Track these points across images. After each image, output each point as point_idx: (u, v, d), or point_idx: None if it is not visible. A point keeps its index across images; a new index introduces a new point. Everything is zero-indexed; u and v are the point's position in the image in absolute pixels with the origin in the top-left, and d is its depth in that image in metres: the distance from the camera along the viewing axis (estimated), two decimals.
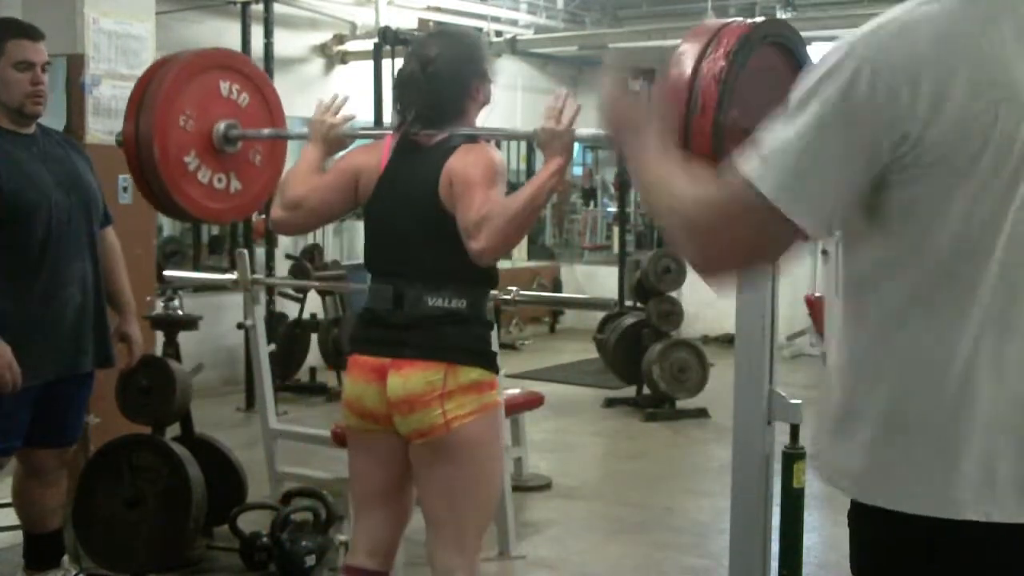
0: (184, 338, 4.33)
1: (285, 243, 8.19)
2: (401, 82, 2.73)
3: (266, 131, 3.47)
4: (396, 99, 2.75)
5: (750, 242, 1.45)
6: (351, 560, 2.83)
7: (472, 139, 2.69)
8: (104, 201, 3.62)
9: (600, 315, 8.36)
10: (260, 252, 7.43)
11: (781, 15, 8.15)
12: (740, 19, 2.18)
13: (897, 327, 1.44)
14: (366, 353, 2.67)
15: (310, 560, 3.86)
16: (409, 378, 2.58)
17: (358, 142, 2.97)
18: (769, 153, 1.40)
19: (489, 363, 2.66)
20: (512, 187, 2.71)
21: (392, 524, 2.81)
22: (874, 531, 1.49)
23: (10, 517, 4.02)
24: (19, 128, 3.38)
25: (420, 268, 2.64)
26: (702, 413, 6.91)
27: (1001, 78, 1.35)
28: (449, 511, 2.66)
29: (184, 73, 3.30)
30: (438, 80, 2.66)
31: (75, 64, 4.33)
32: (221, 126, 3.37)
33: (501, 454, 2.77)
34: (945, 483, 1.41)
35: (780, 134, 1.40)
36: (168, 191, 3.30)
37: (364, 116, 8.22)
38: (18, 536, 3.89)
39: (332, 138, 2.89)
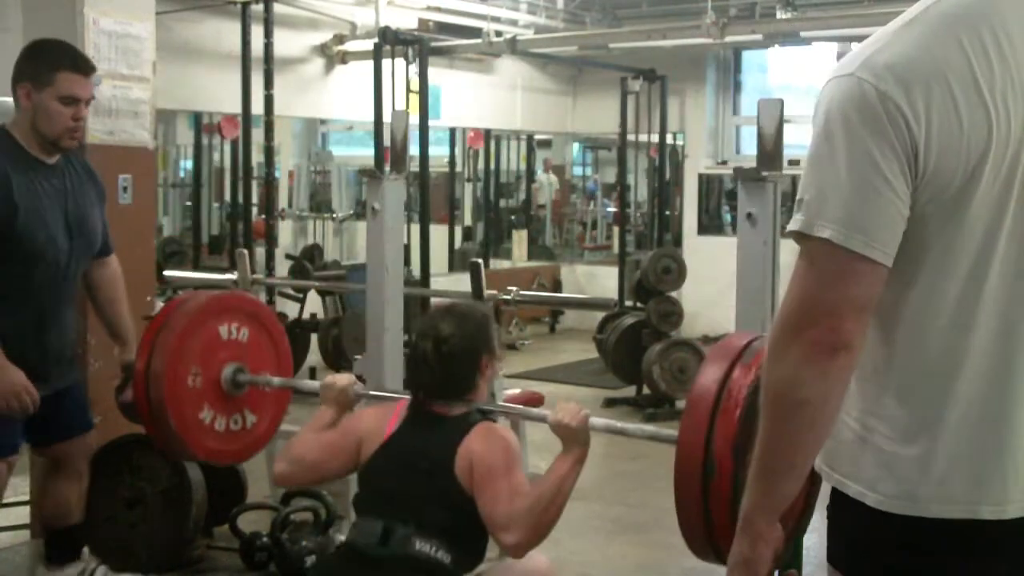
0: None
1: (285, 243, 8.19)
2: (415, 361, 2.78)
3: (276, 380, 3.53)
4: (409, 376, 2.85)
5: (854, 296, 1.41)
6: None
7: (486, 414, 2.77)
8: (107, 232, 3.55)
9: (600, 315, 8.36)
10: (260, 252, 7.43)
11: (781, 15, 8.11)
12: (747, 356, 2.20)
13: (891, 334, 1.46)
14: None
15: (310, 560, 3.86)
16: None
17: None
18: (833, 208, 1.39)
19: None
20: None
21: None
22: (849, 519, 1.51)
23: (11, 517, 4.02)
24: (45, 156, 3.31)
25: (416, 513, 2.61)
26: None
27: (988, 92, 1.38)
28: None
29: (183, 336, 3.34)
30: (452, 359, 2.73)
31: None
32: (229, 371, 3.42)
33: None
34: (913, 481, 1.44)
35: (830, 183, 1.39)
36: (191, 452, 3.42)
37: (364, 116, 8.21)
38: (18, 536, 3.90)
39: (342, 400, 3.00)
